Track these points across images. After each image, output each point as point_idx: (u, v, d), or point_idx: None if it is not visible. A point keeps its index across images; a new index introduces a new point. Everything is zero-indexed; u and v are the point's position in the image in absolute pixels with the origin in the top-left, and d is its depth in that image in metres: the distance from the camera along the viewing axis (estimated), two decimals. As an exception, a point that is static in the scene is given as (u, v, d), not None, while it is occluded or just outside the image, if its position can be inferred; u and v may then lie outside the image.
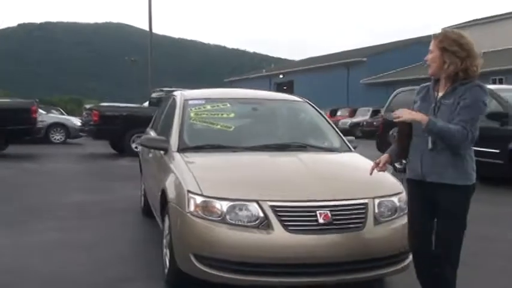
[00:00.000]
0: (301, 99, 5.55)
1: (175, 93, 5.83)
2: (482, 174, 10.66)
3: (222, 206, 3.50)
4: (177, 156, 4.36)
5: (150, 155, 5.41)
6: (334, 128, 5.16)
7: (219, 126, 4.79)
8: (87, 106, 16.51)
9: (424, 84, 3.31)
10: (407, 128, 3.14)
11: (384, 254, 3.59)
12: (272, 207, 3.45)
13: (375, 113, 29.28)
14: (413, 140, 3.15)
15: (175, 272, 3.82)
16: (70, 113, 28.93)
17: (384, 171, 3.37)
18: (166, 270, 4.06)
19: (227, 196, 3.54)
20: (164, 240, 4.21)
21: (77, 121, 20.00)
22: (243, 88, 7.16)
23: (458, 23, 42.37)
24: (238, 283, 3.47)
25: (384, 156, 3.35)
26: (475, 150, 9.22)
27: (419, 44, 42.49)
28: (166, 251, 4.07)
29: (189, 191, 3.66)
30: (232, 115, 4.97)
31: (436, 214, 3.10)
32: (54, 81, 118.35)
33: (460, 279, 3.22)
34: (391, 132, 11.59)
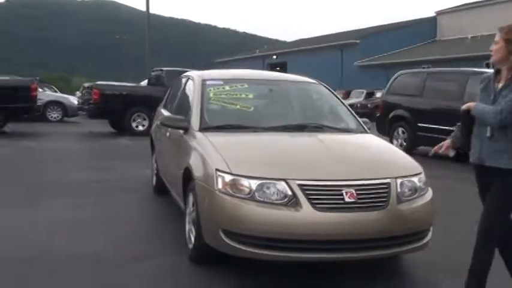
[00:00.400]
0: (315, 81, 5.64)
1: (190, 73, 5.89)
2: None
3: (251, 184, 3.60)
4: (200, 135, 4.45)
5: (168, 134, 5.48)
6: (349, 110, 5.27)
7: (238, 107, 4.88)
8: (86, 84, 16.46)
9: (486, 75, 3.49)
10: (467, 118, 3.44)
11: (405, 231, 3.73)
12: (300, 185, 3.56)
13: (369, 95, 29.45)
14: (476, 129, 3.42)
15: (202, 247, 3.95)
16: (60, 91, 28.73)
17: (447, 154, 3.63)
18: (191, 246, 4.18)
19: (256, 175, 3.64)
20: (187, 217, 4.33)
21: (74, 99, 19.94)
22: (236, 68, 7.17)
23: (452, 6, 42.43)
24: (266, 258, 3.60)
25: (447, 141, 3.62)
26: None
27: (412, 27, 42.78)
28: (191, 227, 4.19)
29: (217, 169, 3.76)
30: (250, 96, 5.06)
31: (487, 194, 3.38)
32: (40, 58, 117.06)
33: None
34: (390, 115, 11.75)
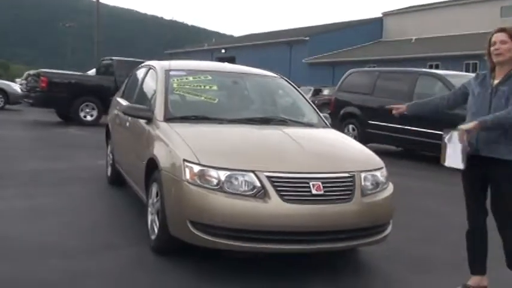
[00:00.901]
0: (277, 76, 5.70)
1: (151, 63, 5.81)
2: (431, 154, 11.29)
3: (220, 175, 3.61)
4: (165, 125, 4.41)
5: (128, 124, 5.39)
6: (310, 104, 5.35)
7: (203, 98, 4.87)
8: (32, 72, 15.90)
9: (481, 72, 3.69)
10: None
11: (368, 224, 3.84)
12: (268, 177, 3.60)
13: (317, 92, 29.84)
14: (468, 119, 3.53)
15: (166, 238, 3.93)
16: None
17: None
18: (153, 237, 4.15)
19: (225, 166, 3.66)
20: (150, 208, 4.28)
21: (16, 86, 19.23)
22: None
23: (398, 8, 43.61)
24: (234, 249, 3.62)
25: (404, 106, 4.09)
26: (425, 132, 9.80)
27: (360, 26, 43.69)
28: (154, 218, 4.15)
29: (185, 160, 3.74)
30: (214, 87, 5.05)
31: (490, 188, 3.54)
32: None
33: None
34: (341, 112, 11.97)
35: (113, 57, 14.99)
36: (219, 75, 5.33)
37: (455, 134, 3.43)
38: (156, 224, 4.11)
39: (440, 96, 4.01)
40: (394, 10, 43.42)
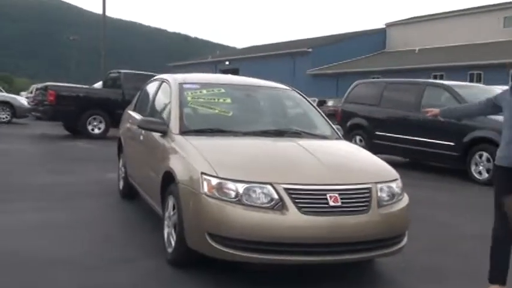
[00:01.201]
0: (289, 88, 5.74)
1: (163, 76, 5.87)
2: (438, 164, 11.38)
3: (238, 187, 3.64)
4: (181, 138, 4.45)
5: (141, 138, 5.43)
6: (323, 116, 5.39)
7: (217, 111, 4.91)
8: (39, 85, 16.01)
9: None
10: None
11: (385, 235, 3.85)
12: (286, 189, 3.63)
13: (321, 103, 29.93)
14: (506, 133, 3.66)
15: (183, 251, 3.95)
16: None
17: None
18: (170, 250, 4.17)
19: (242, 178, 3.69)
20: (166, 221, 4.31)
21: (23, 100, 19.34)
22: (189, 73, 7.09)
23: (401, 19, 43.80)
24: (252, 261, 3.64)
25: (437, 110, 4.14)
26: (432, 143, 9.84)
27: (363, 37, 43.85)
28: (171, 231, 4.18)
29: (203, 173, 3.78)
30: (228, 100, 5.09)
31: None
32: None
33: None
34: (349, 123, 12.01)
35: (120, 70, 15.09)
36: (232, 88, 5.38)
37: None
38: (173, 237, 4.13)
39: (473, 103, 4.17)
40: (397, 21, 43.61)
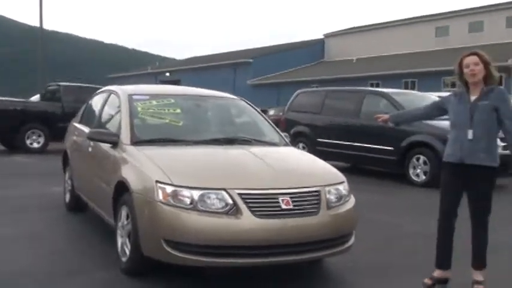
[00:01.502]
0: (237, 97, 5.89)
1: (111, 88, 5.89)
2: (377, 168, 11.77)
3: (193, 194, 3.74)
4: (132, 149, 4.50)
5: (90, 149, 5.42)
6: (271, 124, 5.56)
7: (167, 121, 4.99)
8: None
9: (457, 91, 4.24)
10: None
11: (334, 235, 4.05)
12: (240, 194, 3.76)
13: (263, 112, 30.20)
14: (453, 132, 4.08)
15: (138, 259, 4.00)
16: None
17: None
18: (124, 259, 4.20)
19: (197, 185, 3.79)
20: (119, 231, 4.34)
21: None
22: (129, 85, 7.16)
23: (339, 29, 44.99)
24: (209, 265, 3.75)
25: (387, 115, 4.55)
26: (372, 148, 10.34)
27: (302, 48, 44.71)
28: (125, 240, 4.21)
29: (157, 181, 3.85)
30: (178, 110, 5.18)
31: (467, 191, 4.06)
32: None
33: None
34: (292, 131, 12.27)
35: (60, 83, 14.78)
36: (181, 99, 5.46)
37: None
38: (127, 246, 4.16)
39: (418, 107, 4.50)
40: (335, 32, 44.74)
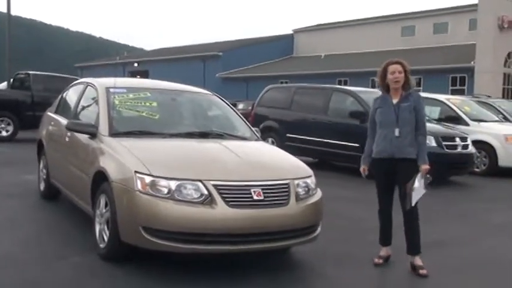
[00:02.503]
0: (210, 93, 6.12)
1: (88, 80, 6.06)
2: (345, 164, 12.11)
3: (170, 184, 3.98)
4: (111, 140, 4.69)
5: (67, 139, 5.57)
6: (243, 119, 5.81)
7: (144, 114, 5.19)
8: None
9: (379, 95, 4.82)
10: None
11: (302, 225, 4.34)
12: (215, 185, 4.02)
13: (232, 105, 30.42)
14: (382, 131, 4.54)
15: (117, 245, 4.22)
16: None
17: None
18: (102, 245, 4.41)
19: (174, 176, 4.03)
20: (98, 218, 4.53)
21: None
22: (97, 74, 7.31)
23: (308, 25, 45.42)
24: (184, 251, 4.00)
25: (364, 166, 4.89)
26: (339, 144, 10.76)
27: (271, 42, 44.99)
28: (103, 227, 4.42)
29: (136, 171, 4.07)
30: (154, 104, 5.38)
31: (398, 181, 4.60)
32: None
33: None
34: (261, 126, 12.53)
35: (29, 72, 14.70)
36: (157, 93, 5.66)
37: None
38: (105, 233, 4.37)
39: (368, 140, 4.87)
40: (304, 27, 45.20)
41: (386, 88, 4.69)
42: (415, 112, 4.56)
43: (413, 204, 4.48)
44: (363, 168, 4.86)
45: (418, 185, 4.47)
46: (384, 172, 4.66)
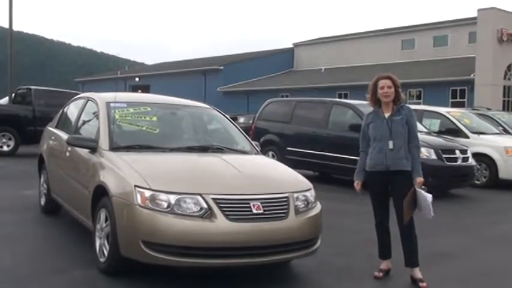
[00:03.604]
0: (210, 107, 6.16)
1: (88, 95, 6.10)
2: (345, 177, 12.07)
3: (170, 198, 4.00)
4: (111, 154, 4.72)
5: (68, 154, 5.60)
6: (242, 133, 5.84)
7: (144, 128, 5.22)
8: None
9: (371, 111, 4.85)
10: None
11: (302, 238, 4.35)
12: (214, 199, 4.03)
13: (233, 119, 30.49)
14: (376, 144, 4.58)
15: (117, 259, 4.22)
16: None
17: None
18: (102, 259, 4.41)
19: (174, 190, 4.05)
20: (98, 233, 4.54)
21: None
22: (99, 89, 7.39)
23: (308, 39, 45.65)
24: (184, 265, 4.01)
25: (358, 182, 4.94)
26: (339, 157, 10.80)
27: (272, 56, 45.23)
28: (103, 242, 4.42)
29: (136, 186, 4.09)
30: (154, 118, 5.42)
31: (393, 193, 4.66)
32: None
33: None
34: (261, 139, 12.57)
35: (31, 87, 14.78)
36: (158, 107, 5.70)
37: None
38: (105, 247, 4.38)
39: (361, 156, 4.93)
40: (304, 41, 45.44)
41: (377, 102, 4.74)
42: (407, 126, 4.63)
43: (432, 214, 4.48)
44: (357, 183, 4.88)
45: (424, 200, 4.47)
46: (379, 185, 4.70)
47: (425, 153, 9.48)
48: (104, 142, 4.90)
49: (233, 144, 5.58)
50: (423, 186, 4.55)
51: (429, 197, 4.46)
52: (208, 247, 3.95)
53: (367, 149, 4.81)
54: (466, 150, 10.39)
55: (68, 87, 24.29)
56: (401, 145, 4.60)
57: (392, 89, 4.63)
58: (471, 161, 10.38)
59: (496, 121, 14.01)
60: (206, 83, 41.89)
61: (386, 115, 4.68)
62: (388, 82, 4.64)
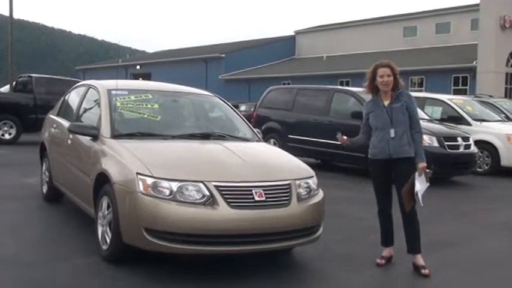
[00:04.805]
0: (212, 94, 6.13)
1: (89, 82, 6.07)
2: (347, 165, 12.10)
3: (172, 185, 3.99)
4: (113, 142, 4.70)
5: (69, 142, 5.59)
6: (244, 121, 5.82)
7: (146, 116, 5.20)
8: None
9: (370, 99, 4.84)
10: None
11: (304, 226, 4.34)
12: (216, 187, 4.03)
13: (234, 107, 30.44)
14: (378, 133, 4.64)
15: (119, 246, 4.23)
16: None
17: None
18: (105, 247, 4.42)
19: (176, 177, 4.04)
20: (100, 220, 4.54)
21: None
22: (99, 77, 7.36)
23: (309, 27, 45.43)
24: (187, 252, 4.01)
25: (348, 139, 4.94)
26: (340, 144, 10.47)
27: (273, 44, 45.06)
28: (106, 229, 4.43)
29: (138, 173, 4.08)
30: (156, 106, 5.39)
31: (396, 180, 4.64)
32: None
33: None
34: (263, 127, 12.55)
35: (32, 75, 14.74)
36: (159, 94, 5.68)
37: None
38: (107, 235, 4.38)
39: (360, 135, 4.96)
40: (305, 29, 45.23)
41: (374, 90, 4.70)
42: (408, 112, 4.60)
43: (421, 204, 4.48)
44: (343, 137, 4.90)
45: (420, 185, 4.46)
46: (382, 173, 4.69)
47: (428, 140, 9.46)
48: (105, 129, 4.89)
49: (235, 131, 5.56)
50: (428, 170, 4.53)
51: (424, 185, 4.46)
52: (210, 234, 3.95)
53: (368, 132, 4.82)
54: (468, 138, 10.37)
55: (69, 75, 24.24)
56: (403, 132, 4.57)
57: (392, 78, 4.58)
58: (473, 149, 10.36)
59: (498, 108, 13.97)
60: (207, 71, 41.79)
61: (386, 103, 4.64)
62: (387, 70, 4.58)
